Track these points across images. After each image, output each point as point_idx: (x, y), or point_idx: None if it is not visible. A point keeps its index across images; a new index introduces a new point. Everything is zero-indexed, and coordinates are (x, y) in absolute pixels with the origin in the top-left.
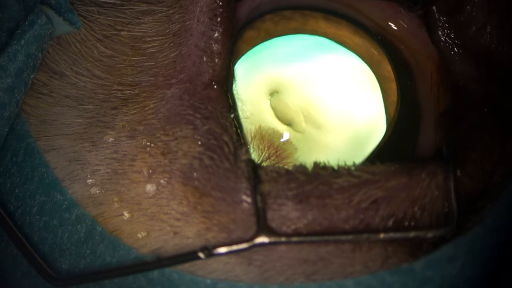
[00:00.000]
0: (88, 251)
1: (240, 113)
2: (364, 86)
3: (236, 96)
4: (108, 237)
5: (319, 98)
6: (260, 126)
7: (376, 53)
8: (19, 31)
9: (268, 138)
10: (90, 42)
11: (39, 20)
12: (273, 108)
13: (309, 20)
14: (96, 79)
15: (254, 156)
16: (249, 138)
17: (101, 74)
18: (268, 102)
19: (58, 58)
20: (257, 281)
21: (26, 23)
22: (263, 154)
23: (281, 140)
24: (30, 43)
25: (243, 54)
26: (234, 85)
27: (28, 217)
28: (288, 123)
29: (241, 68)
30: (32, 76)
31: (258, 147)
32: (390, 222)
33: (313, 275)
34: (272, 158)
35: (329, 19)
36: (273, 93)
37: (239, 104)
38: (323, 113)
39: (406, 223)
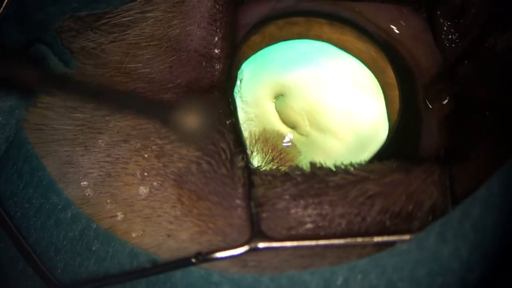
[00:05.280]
0: (83, 248)
1: (244, 115)
2: (368, 91)
3: (241, 99)
4: (103, 233)
5: (324, 102)
6: (264, 129)
7: (379, 59)
8: None
9: (272, 141)
10: (83, 65)
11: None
12: (277, 111)
13: (313, 25)
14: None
15: (258, 158)
16: (253, 141)
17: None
18: (273, 105)
19: None
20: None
21: None
22: (267, 156)
23: (285, 143)
24: None
25: (247, 58)
26: (239, 88)
27: (25, 219)
28: (293, 126)
29: (247, 70)
30: (24, 114)
31: (262, 150)
32: (387, 217)
33: (309, 267)
34: (276, 161)
35: (334, 24)
36: (278, 96)
37: (244, 106)
38: (327, 117)
39: (403, 218)
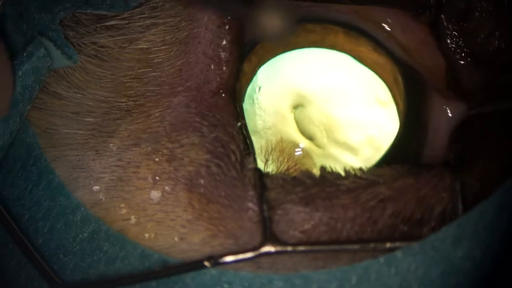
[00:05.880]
0: (93, 249)
1: (262, 123)
2: (387, 107)
3: (259, 107)
4: (114, 235)
5: (343, 115)
6: (281, 138)
7: (393, 71)
8: (17, 62)
9: (288, 151)
10: (92, 66)
11: (38, 52)
12: (296, 122)
13: (329, 34)
14: (98, 96)
15: (273, 167)
16: (269, 149)
17: (104, 93)
18: (292, 115)
19: (57, 83)
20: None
21: (25, 54)
22: (282, 166)
23: (296, 153)
24: (28, 74)
25: (264, 62)
26: (258, 95)
27: (33, 222)
28: (310, 138)
29: (265, 77)
30: (28, 107)
31: (278, 159)
32: (398, 221)
33: (322, 267)
34: (291, 171)
35: (349, 34)
36: (298, 106)
37: (262, 114)
38: (345, 131)
39: (414, 223)
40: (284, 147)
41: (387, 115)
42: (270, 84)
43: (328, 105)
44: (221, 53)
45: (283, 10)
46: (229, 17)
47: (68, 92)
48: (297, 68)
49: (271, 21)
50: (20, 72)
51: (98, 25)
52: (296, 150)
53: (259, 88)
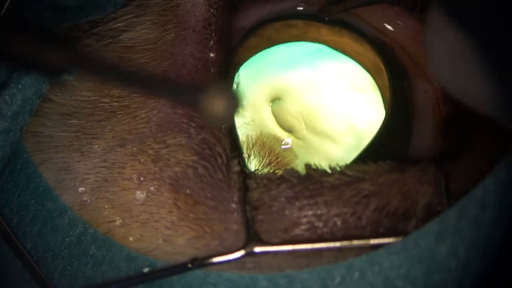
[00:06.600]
0: (80, 252)
1: (241, 119)
2: (366, 93)
3: None
4: (101, 238)
5: (320, 105)
6: (261, 133)
7: (377, 61)
8: (16, 74)
9: (269, 145)
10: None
11: None
12: (274, 115)
13: (311, 27)
14: (82, 97)
15: (255, 162)
16: (250, 144)
17: (86, 93)
18: (269, 108)
19: None
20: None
21: None
22: (264, 160)
23: (282, 147)
24: (27, 87)
25: (245, 61)
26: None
27: (22, 227)
28: (289, 130)
29: (243, 74)
30: (28, 119)
31: (259, 154)
32: (382, 216)
33: (306, 266)
34: (273, 165)
35: (331, 27)
36: (275, 99)
37: (240, 109)
38: (324, 120)
39: (398, 218)
40: (264, 141)
41: (368, 101)
42: (247, 79)
43: (305, 96)
44: (208, 54)
45: (231, 96)
46: (216, 15)
47: (51, 95)
48: (272, 61)
49: (220, 108)
50: (20, 85)
51: (91, 30)
52: (277, 143)
53: (237, 84)
